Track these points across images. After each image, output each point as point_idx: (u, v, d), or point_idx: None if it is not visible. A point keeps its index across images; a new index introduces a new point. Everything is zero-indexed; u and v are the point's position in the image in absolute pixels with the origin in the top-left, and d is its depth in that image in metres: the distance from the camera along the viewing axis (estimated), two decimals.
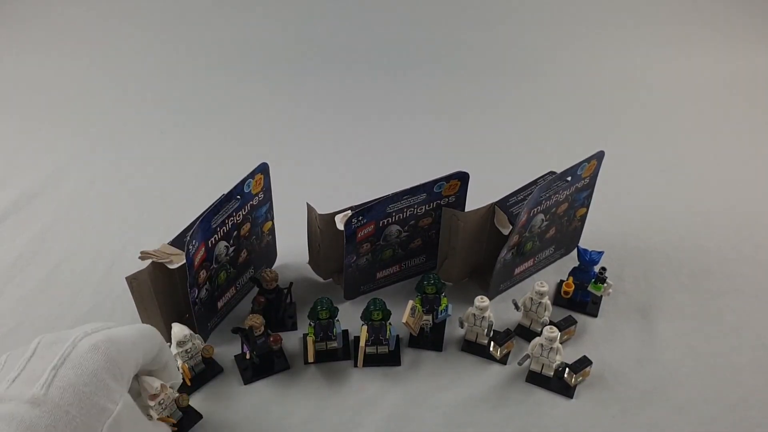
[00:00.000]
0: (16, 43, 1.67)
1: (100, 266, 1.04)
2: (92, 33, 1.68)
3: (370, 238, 0.90)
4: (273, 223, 0.98)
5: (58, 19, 1.69)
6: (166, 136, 1.39)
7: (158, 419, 0.76)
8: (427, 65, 1.63)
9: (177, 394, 0.78)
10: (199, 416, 0.80)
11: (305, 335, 0.89)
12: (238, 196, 0.86)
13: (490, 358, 0.88)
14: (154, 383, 0.74)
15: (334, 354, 0.88)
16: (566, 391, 0.84)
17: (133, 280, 0.80)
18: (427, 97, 1.53)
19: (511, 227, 0.88)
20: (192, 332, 0.83)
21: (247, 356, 0.85)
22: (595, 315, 0.95)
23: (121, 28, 1.69)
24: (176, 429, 0.78)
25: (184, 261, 0.80)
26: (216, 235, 0.85)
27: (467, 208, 0.93)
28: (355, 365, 0.87)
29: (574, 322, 0.90)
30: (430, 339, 0.90)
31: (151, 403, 0.75)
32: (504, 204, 0.91)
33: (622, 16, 1.69)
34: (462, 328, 0.90)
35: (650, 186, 1.24)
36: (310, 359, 0.86)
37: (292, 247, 1.04)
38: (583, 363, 0.83)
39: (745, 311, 0.96)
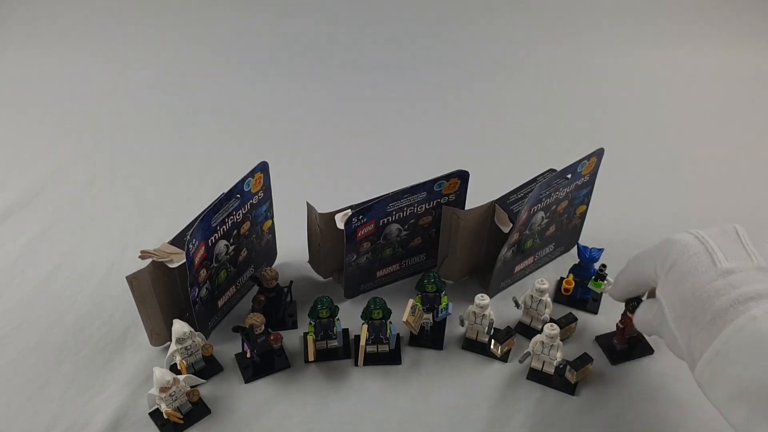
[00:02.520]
0: (17, 43, 1.67)
1: (100, 266, 1.04)
2: (92, 33, 1.68)
3: (370, 237, 0.90)
4: (273, 222, 0.98)
5: (58, 19, 1.69)
6: (166, 136, 1.39)
7: (165, 413, 0.76)
8: (427, 63, 1.63)
9: (189, 388, 0.79)
10: (207, 411, 0.81)
11: (305, 334, 0.89)
12: (238, 195, 0.86)
13: (491, 356, 0.88)
14: (167, 376, 0.75)
15: (335, 353, 0.88)
16: (567, 388, 0.84)
17: (133, 280, 0.80)
18: (426, 95, 1.53)
19: (511, 225, 0.88)
20: (192, 329, 0.83)
21: (248, 355, 0.85)
22: (595, 312, 0.95)
23: (121, 28, 1.69)
24: (182, 421, 0.78)
25: (184, 260, 0.80)
26: (216, 234, 0.85)
27: (467, 207, 0.93)
28: (356, 364, 0.87)
29: (575, 319, 0.90)
30: (431, 337, 0.90)
31: (162, 395, 0.75)
32: (504, 202, 0.91)
33: (622, 14, 1.69)
34: (462, 326, 0.90)
35: (650, 183, 1.24)
36: (311, 358, 0.86)
37: (292, 246, 1.04)
38: (584, 360, 0.83)
39: None
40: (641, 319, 0.73)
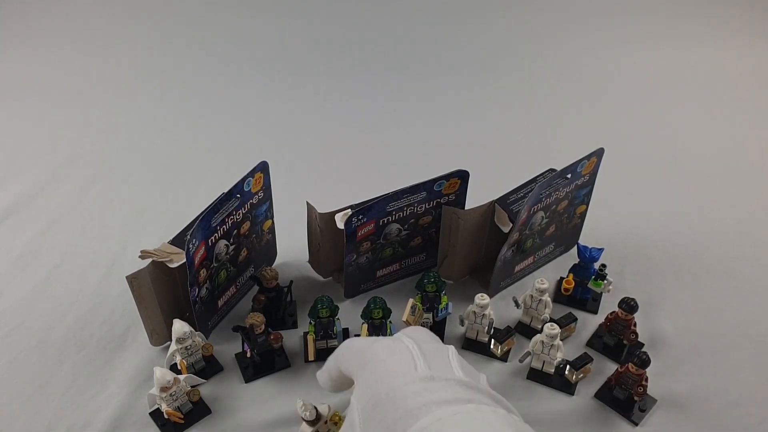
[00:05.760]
0: (17, 41, 1.67)
1: (100, 266, 1.04)
2: (94, 33, 1.68)
3: (370, 237, 0.90)
4: (273, 222, 0.98)
5: (59, 18, 1.69)
6: (166, 135, 1.39)
7: (166, 412, 0.76)
8: (427, 64, 1.63)
9: (189, 388, 0.79)
10: (207, 410, 0.81)
11: (306, 333, 0.89)
12: (238, 195, 0.86)
13: (491, 355, 0.88)
14: (167, 376, 0.75)
15: None
16: (567, 388, 0.84)
17: (133, 279, 0.80)
18: (426, 95, 1.53)
19: (511, 225, 0.88)
20: (192, 329, 0.83)
21: (248, 354, 0.85)
22: (595, 312, 0.95)
23: (121, 26, 1.69)
24: (183, 421, 0.78)
25: (185, 260, 0.80)
26: (216, 234, 0.85)
27: (467, 206, 0.93)
28: None
29: (575, 319, 0.90)
30: None
31: (162, 395, 0.75)
32: (504, 202, 0.91)
33: (622, 12, 1.69)
34: (462, 326, 0.90)
35: (650, 183, 1.24)
36: (311, 357, 0.86)
37: (292, 246, 1.04)
38: (584, 360, 0.83)
39: (745, 308, 0.96)
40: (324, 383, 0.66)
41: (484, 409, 0.49)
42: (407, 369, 0.54)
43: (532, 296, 0.90)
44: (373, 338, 0.62)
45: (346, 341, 0.65)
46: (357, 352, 0.60)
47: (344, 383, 0.64)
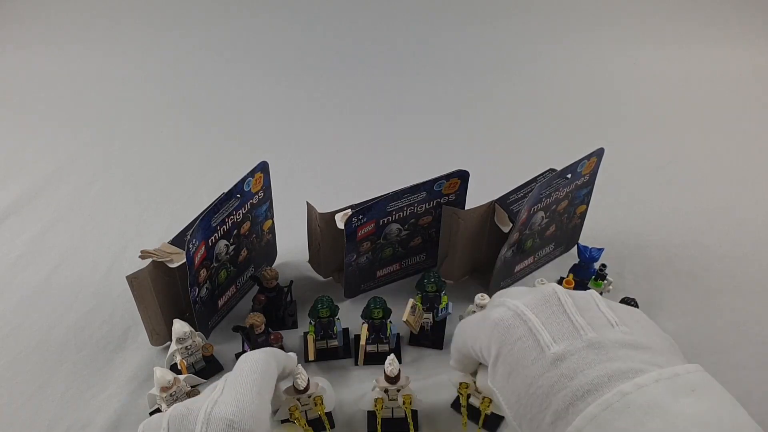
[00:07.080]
0: (17, 42, 1.67)
1: (100, 266, 1.04)
2: (93, 33, 1.68)
3: (370, 237, 0.90)
4: (273, 222, 0.98)
5: (58, 18, 1.69)
6: (166, 135, 1.39)
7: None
8: (427, 64, 1.63)
9: (189, 388, 0.79)
10: None
11: (306, 333, 0.89)
12: (238, 195, 0.86)
13: None
14: (167, 376, 0.75)
15: (335, 352, 0.88)
16: None
17: (133, 279, 0.80)
18: (427, 95, 1.54)
19: (511, 225, 0.88)
20: (192, 329, 0.83)
21: None
22: None
23: (121, 27, 1.69)
24: None
25: (185, 260, 0.80)
26: (216, 234, 0.85)
27: (467, 206, 0.93)
28: (356, 363, 0.87)
29: None
30: (431, 337, 0.90)
31: (162, 395, 0.75)
32: (504, 202, 0.91)
33: (621, 14, 1.69)
34: None
35: (650, 183, 1.24)
36: (311, 357, 0.86)
37: (292, 246, 1.04)
38: None
39: (745, 308, 0.96)
40: (485, 387, 0.62)
41: (634, 387, 0.45)
42: (533, 351, 0.51)
43: None
44: (481, 314, 0.60)
45: (460, 323, 0.63)
46: (473, 335, 0.59)
47: (473, 364, 0.64)
